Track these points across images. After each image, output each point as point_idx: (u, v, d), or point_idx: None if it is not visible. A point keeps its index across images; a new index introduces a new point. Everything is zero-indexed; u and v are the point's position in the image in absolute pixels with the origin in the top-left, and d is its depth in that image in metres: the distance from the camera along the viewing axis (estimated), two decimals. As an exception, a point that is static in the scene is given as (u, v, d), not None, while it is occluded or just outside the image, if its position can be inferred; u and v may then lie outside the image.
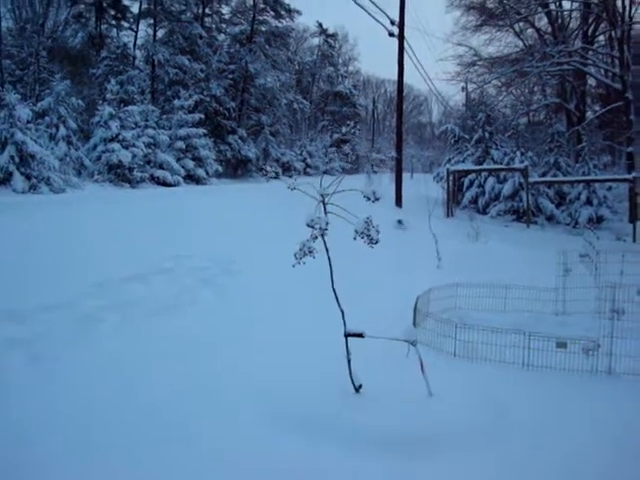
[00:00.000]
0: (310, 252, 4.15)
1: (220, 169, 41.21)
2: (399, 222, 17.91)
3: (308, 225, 4.13)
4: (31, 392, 4.77)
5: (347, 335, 4.65)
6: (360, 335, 4.66)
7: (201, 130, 39.26)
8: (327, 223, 4.15)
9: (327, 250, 4.40)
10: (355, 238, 4.22)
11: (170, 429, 4.17)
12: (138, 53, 49.47)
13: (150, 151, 33.92)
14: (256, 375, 5.14)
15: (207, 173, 38.76)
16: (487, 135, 31.03)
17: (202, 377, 5.13)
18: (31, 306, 6.66)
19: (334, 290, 4.60)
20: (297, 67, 67.88)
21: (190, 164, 37.48)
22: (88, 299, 7.26)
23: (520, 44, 35.06)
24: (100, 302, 7.22)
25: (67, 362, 5.46)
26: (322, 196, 4.24)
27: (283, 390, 4.77)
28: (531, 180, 25.43)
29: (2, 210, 14.38)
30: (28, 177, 26.00)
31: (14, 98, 26.86)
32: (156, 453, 3.83)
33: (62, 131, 30.06)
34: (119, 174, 31.43)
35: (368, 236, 4.12)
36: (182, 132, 38.25)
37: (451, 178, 27.27)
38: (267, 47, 51.93)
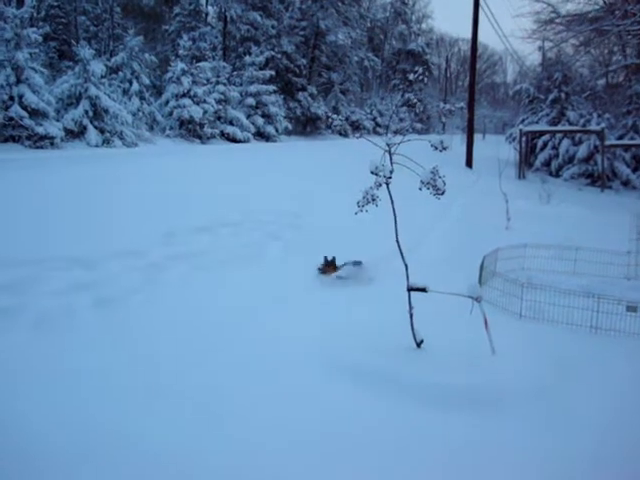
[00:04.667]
0: (373, 200, 4.07)
1: (289, 126, 41.16)
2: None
3: (372, 172, 4.05)
4: (96, 334, 4.86)
5: (410, 289, 4.58)
6: (423, 289, 4.58)
7: (271, 87, 39.18)
8: (392, 171, 4.05)
9: (392, 200, 4.31)
10: (420, 189, 4.12)
11: (233, 372, 4.20)
12: (210, 9, 49.52)
13: (221, 107, 34.06)
14: (317, 328, 5.13)
15: (276, 130, 38.75)
16: (563, 96, 30.14)
17: (267, 329, 5.15)
18: (101, 253, 6.78)
19: (398, 243, 4.52)
20: (369, 24, 66.94)
21: (260, 121, 37.51)
22: (157, 248, 7.36)
23: (600, 1, 33.71)
24: (169, 251, 7.31)
25: (133, 307, 5.56)
26: (388, 145, 4.14)
27: (344, 344, 4.74)
28: (607, 143, 24.62)
29: (77, 161, 14.67)
30: (102, 131, 26.45)
31: (88, 53, 27.23)
32: (227, 387, 3.88)
33: (135, 86, 30.40)
34: (190, 129, 31.69)
35: (434, 187, 4.01)
36: (252, 89, 38.25)
37: (524, 139, 26.64)
38: (339, 3, 51.23)
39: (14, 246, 6.68)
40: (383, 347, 4.61)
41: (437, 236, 9.60)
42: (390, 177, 4.05)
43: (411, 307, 4.57)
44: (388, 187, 4.14)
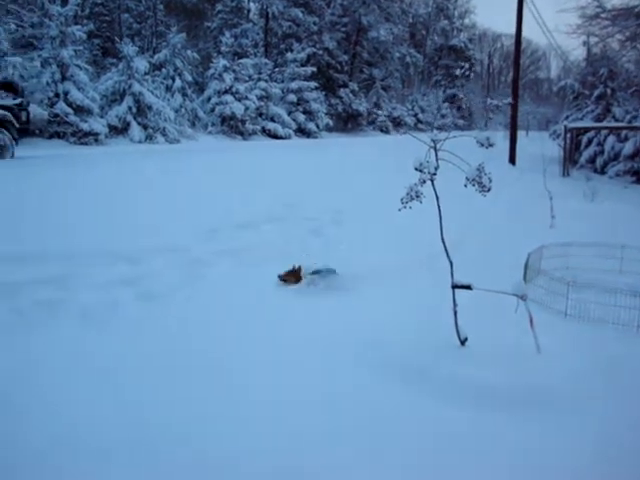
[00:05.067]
0: (417, 197, 4.03)
1: (330, 123, 41.18)
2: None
3: (416, 169, 4.01)
4: (138, 328, 4.90)
5: (454, 287, 4.54)
6: (468, 287, 4.53)
7: (313, 83, 39.25)
8: (437, 168, 4.01)
9: (437, 197, 4.27)
10: (466, 185, 4.07)
11: (273, 364, 4.20)
12: (252, 6, 49.74)
13: (262, 104, 34.22)
14: (357, 325, 5.11)
15: (317, 126, 38.81)
16: (609, 92, 29.65)
17: (308, 325, 5.14)
18: (145, 249, 6.85)
19: (443, 240, 4.48)
20: (411, 20, 66.67)
21: (301, 117, 37.61)
22: (200, 244, 7.41)
23: (646, -4, 33.01)
24: (212, 247, 7.36)
25: (176, 302, 5.60)
26: (433, 141, 4.11)
27: (388, 341, 4.71)
28: (655, 139, 24.17)
29: (122, 157, 14.84)
30: (145, 127, 26.74)
31: (132, 50, 27.55)
32: (264, 378, 3.88)
33: (178, 83, 30.70)
34: (232, 126, 31.90)
35: (480, 183, 3.96)
36: (294, 85, 38.35)
37: (568, 136, 26.26)
38: (381, -1, 51.13)
39: (62, 240, 6.79)
40: (427, 345, 4.57)
41: (480, 233, 9.50)
42: (435, 174, 4.01)
43: (455, 305, 4.53)
44: (433, 184, 4.11)
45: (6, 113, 15.73)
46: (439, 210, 4.36)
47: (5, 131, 15.60)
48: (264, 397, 3.78)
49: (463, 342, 4.60)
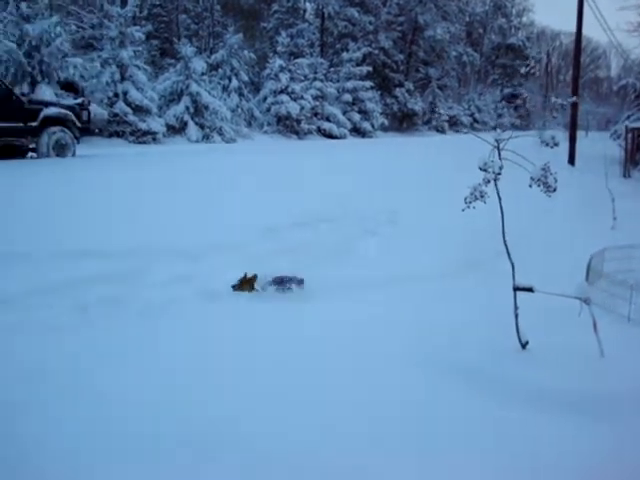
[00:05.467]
0: (482, 196, 3.98)
1: (385, 122, 41.05)
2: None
3: (481, 168, 3.96)
4: (197, 325, 4.94)
5: (516, 289, 4.46)
6: (529, 289, 4.45)
7: (368, 83, 39.18)
8: (501, 167, 3.95)
9: (499, 198, 4.21)
10: (531, 186, 4.00)
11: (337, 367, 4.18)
12: (308, 6, 49.86)
13: (317, 103, 34.29)
14: (416, 326, 5.06)
15: (372, 126, 38.73)
16: (672, 90, 28.94)
17: (367, 326, 5.10)
18: (204, 247, 6.92)
19: (505, 241, 4.41)
20: (468, 18, 66.06)
21: (356, 117, 37.57)
22: (259, 242, 7.46)
23: None
24: (270, 245, 7.40)
25: (234, 299, 5.64)
26: (496, 141, 4.05)
27: (447, 344, 4.66)
28: None
29: (181, 155, 15.02)
30: (201, 127, 27.02)
31: (190, 51, 27.87)
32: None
33: (234, 83, 30.95)
34: (287, 125, 32.04)
35: (545, 184, 3.89)
36: (349, 85, 38.33)
37: (629, 136, 25.66)
38: (438, -2, 50.76)
39: (124, 238, 6.90)
40: (487, 348, 4.51)
41: (540, 234, 9.36)
42: (500, 173, 3.95)
43: (516, 307, 4.45)
44: (496, 184, 4.05)
45: (68, 112, 16.07)
46: (501, 211, 4.30)
47: (67, 130, 15.95)
48: (343, 397, 3.76)
49: (524, 345, 4.53)
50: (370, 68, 40.98)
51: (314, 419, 3.41)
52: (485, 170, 3.95)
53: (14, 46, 23.56)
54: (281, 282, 6.16)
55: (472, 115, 55.41)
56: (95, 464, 2.89)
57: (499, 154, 4.06)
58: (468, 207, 4.00)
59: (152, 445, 3.06)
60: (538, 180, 3.91)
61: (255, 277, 6.06)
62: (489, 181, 3.97)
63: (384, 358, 4.40)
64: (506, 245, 4.42)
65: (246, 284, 5.99)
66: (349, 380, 4.00)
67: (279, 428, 3.27)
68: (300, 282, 6.21)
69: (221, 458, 2.98)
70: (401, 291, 6.26)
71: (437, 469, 3.06)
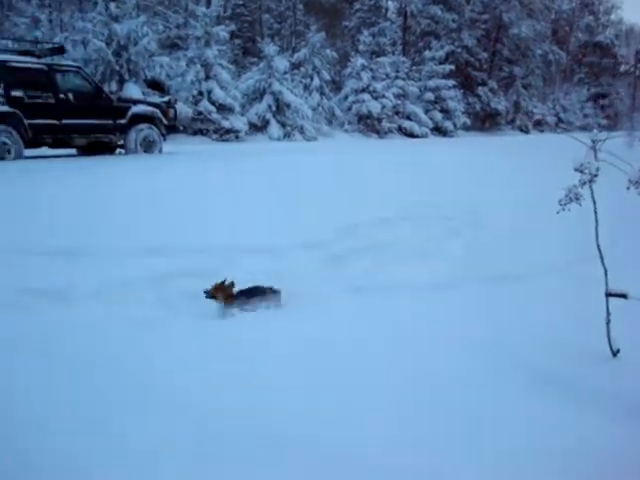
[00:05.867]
0: (577, 199, 3.85)
1: (467, 121, 40.54)
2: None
3: (576, 170, 3.82)
4: (282, 323, 4.93)
5: (608, 295, 4.30)
6: (623, 296, 4.29)
7: (450, 82, 38.77)
8: (598, 169, 3.82)
9: (594, 201, 4.06)
10: (629, 188, 3.85)
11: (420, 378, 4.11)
12: (390, 5, 49.67)
13: (399, 102, 34.13)
14: (500, 328, 4.94)
15: (454, 125, 38.31)
16: None
17: (453, 328, 5.01)
18: (287, 244, 6.93)
19: (598, 245, 4.26)
20: (553, 16, 64.60)
21: (438, 116, 37.24)
22: (340, 240, 7.42)
23: None
24: (351, 244, 7.35)
25: (316, 297, 5.61)
26: (593, 142, 3.91)
27: (531, 349, 4.53)
28: None
29: (260, 153, 15.14)
30: (283, 125, 27.22)
31: (273, 50, 28.09)
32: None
33: (316, 81, 31.06)
34: (367, 124, 32.00)
35: (646, 186, 3.74)
36: (431, 83, 38.01)
37: None
38: (523, -5, 49.84)
39: (211, 234, 6.98)
40: (576, 355, 4.36)
41: (635, 238, 9.05)
42: (597, 175, 3.82)
43: (608, 314, 4.30)
44: (591, 186, 3.92)
45: (155, 110, 16.43)
46: (595, 214, 4.16)
47: (154, 127, 16.33)
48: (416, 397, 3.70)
49: (615, 353, 4.37)
50: (453, 66, 40.54)
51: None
52: (581, 171, 3.82)
53: (103, 45, 24.30)
54: (249, 296, 5.22)
55: (557, 115, 54.15)
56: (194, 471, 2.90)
57: (595, 155, 3.93)
58: (563, 210, 3.88)
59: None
60: (636, 182, 3.76)
61: (232, 284, 5.24)
62: (585, 183, 3.84)
63: (474, 363, 4.32)
64: (599, 249, 4.27)
65: (220, 291, 5.23)
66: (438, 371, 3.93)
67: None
68: (274, 296, 5.27)
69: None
70: (485, 292, 6.14)
71: None
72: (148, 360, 3.91)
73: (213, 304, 5.13)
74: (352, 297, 5.79)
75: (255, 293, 5.24)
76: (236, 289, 5.20)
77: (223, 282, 5.21)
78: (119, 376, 3.62)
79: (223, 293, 5.17)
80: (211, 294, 5.16)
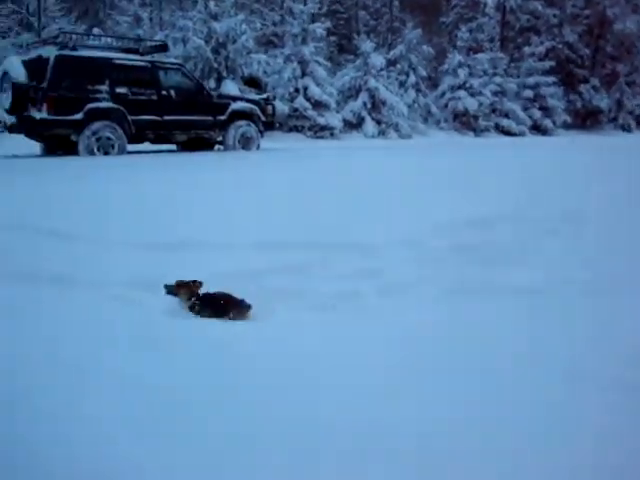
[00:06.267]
0: None
1: (568, 119, 39.39)
2: None
3: None
4: (381, 322, 4.83)
5: None
6: None
7: (550, 79, 37.77)
8: None
9: None
10: None
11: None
12: (489, 0, 48.74)
13: (496, 99, 33.48)
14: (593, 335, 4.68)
15: (554, 123, 37.28)
16: None
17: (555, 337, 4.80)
18: (381, 241, 6.83)
19: None
20: (661, 11, 62.10)
21: (537, 114, 36.33)
22: (431, 239, 7.28)
23: None
24: (442, 243, 7.20)
25: (414, 296, 5.49)
26: None
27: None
28: None
29: (357, 151, 15.07)
30: (378, 122, 27.13)
31: (369, 47, 28.00)
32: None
33: (412, 78, 30.81)
34: (463, 122, 31.54)
35: None
36: (530, 80, 37.11)
37: None
38: (628, -11, 48.08)
39: (312, 230, 6.94)
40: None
41: None
42: None
43: None
44: None
45: (253, 107, 16.61)
46: None
47: (252, 124, 16.51)
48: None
49: None
50: (553, 63, 39.48)
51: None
52: None
53: (202, 43, 24.76)
54: (210, 303, 4.47)
55: (663, 113, 52.12)
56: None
57: None
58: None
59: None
60: None
61: (200, 284, 4.63)
62: None
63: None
64: None
65: (185, 289, 4.63)
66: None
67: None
68: (242, 309, 4.42)
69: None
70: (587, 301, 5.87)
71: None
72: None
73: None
74: (448, 298, 5.65)
75: (220, 301, 4.50)
76: (203, 291, 4.58)
77: (192, 281, 4.61)
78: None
79: (187, 291, 4.59)
80: (174, 291, 4.60)
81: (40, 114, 13.56)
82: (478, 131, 31.69)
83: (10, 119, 14.38)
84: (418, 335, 4.49)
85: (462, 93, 31.50)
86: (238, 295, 4.44)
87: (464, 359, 4.03)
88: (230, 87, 21.65)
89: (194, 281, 4.56)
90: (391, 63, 32.07)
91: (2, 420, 2.68)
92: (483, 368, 3.71)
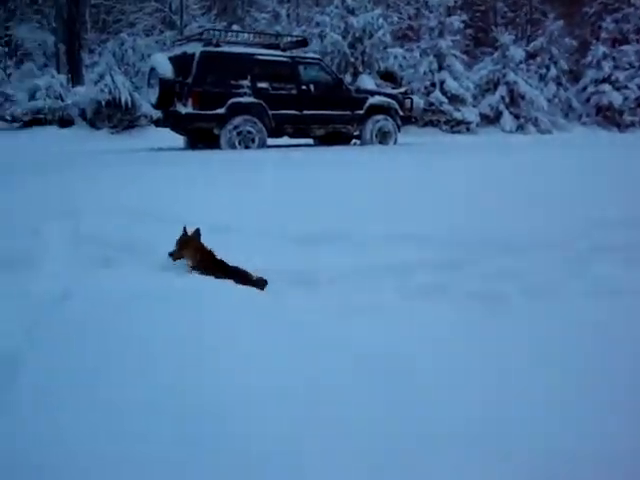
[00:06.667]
0: None
1: None
2: None
3: None
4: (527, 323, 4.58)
5: None
6: None
7: None
8: None
9: None
10: None
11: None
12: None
13: (643, 93, 31.88)
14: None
15: None
16: None
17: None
18: (529, 242, 6.59)
19: None
20: None
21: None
22: (580, 240, 6.95)
23: None
24: (589, 243, 6.85)
25: (563, 298, 5.18)
26: None
27: None
28: None
29: (492, 148, 14.62)
30: (516, 117, 26.45)
31: (508, 39, 27.32)
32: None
33: (552, 72, 29.82)
34: (607, 117, 30.21)
35: None
36: (682, 73, 35.14)
37: None
38: None
39: (455, 229, 6.76)
40: None
41: None
42: None
43: None
44: None
45: (391, 101, 16.48)
46: None
47: (390, 118, 16.36)
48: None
49: None
50: None
51: None
52: None
53: (339, 38, 24.88)
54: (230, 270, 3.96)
55: None
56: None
57: None
58: None
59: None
60: None
61: (197, 232, 4.02)
62: None
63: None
64: None
65: (186, 247, 3.96)
66: None
67: None
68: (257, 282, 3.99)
69: None
70: None
71: None
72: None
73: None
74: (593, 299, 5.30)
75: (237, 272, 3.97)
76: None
77: (185, 233, 3.99)
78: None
79: (191, 250, 3.97)
80: (175, 256, 3.99)
81: (185, 109, 13.95)
82: (623, 127, 30.26)
83: (156, 114, 14.86)
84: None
85: (606, 87, 30.15)
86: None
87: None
88: (367, 81, 21.58)
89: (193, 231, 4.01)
90: (531, 56, 31.14)
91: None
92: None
